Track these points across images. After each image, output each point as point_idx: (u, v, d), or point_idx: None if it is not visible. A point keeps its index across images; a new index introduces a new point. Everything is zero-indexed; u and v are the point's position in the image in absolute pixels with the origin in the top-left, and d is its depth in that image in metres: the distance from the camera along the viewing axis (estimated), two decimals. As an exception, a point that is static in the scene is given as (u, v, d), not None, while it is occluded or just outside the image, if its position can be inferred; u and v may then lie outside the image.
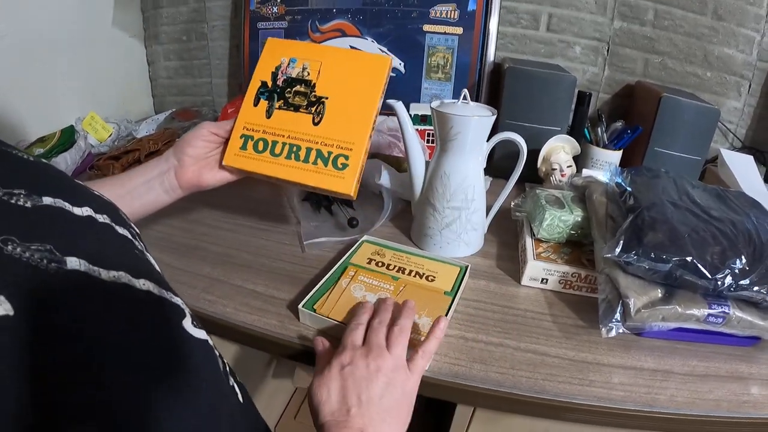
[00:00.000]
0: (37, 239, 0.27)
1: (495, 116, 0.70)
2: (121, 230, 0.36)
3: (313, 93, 0.68)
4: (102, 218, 0.35)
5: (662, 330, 0.61)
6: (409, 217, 0.84)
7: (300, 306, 0.62)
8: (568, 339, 0.63)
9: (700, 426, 0.56)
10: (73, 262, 0.28)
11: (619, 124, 1.04)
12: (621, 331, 0.59)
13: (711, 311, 0.59)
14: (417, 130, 1.09)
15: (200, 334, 0.35)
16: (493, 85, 1.23)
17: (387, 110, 0.75)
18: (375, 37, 1.27)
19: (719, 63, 1.16)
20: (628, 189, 0.71)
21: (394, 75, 1.27)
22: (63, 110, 1.22)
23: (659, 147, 1.02)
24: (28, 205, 0.29)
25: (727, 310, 0.59)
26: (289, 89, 0.69)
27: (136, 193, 0.68)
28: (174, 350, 0.32)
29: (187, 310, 0.35)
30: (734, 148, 1.21)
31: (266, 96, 0.70)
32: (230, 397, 0.37)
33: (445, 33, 1.23)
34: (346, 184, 0.66)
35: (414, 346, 0.54)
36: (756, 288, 0.58)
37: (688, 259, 0.59)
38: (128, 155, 1.05)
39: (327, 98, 0.68)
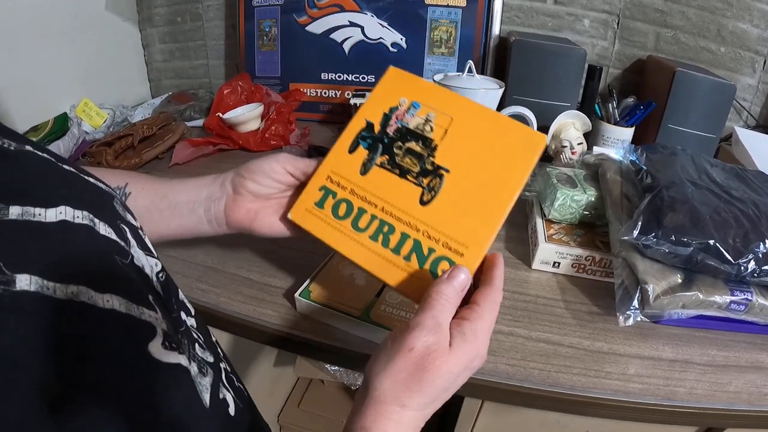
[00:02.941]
0: None
1: (503, 89, 0.66)
2: (103, 229, 0.32)
3: (431, 158, 0.49)
4: (80, 218, 0.31)
5: (681, 317, 0.58)
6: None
7: (296, 295, 0.59)
8: (582, 327, 0.60)
9: (719, 419, 0.54)
10: (23, 281, 0.25)
11: (630, 100, 1.00)
12: (639, 318, 0.56)
13: (733, 298, 0.56)
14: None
15: (169, 357, 0.31)
16: (498, 61, 1.19)
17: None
18: (375, 12, 1.23)
19: (733, 38, 1.12)
20: (644, 167, 0.68)
21: (395, 51, 1.24)
22: (57, 98, 1.19)
23: (672, 124, 0.99)
24: None
25: (750, 297, 0.56)
26: (400, 143, 0.51)
27: (177, 211, 0.57)
28: (131, 377, 0.28)
29: (159, 328, 0.31)
30: (748, 127, 1.17)
31: (368, 144, 0.52)
32: (210, 416, 0.34)
33: (447, 6, 1.19)
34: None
35: None
36: (781, 274, 0.55)
37: (711, 242, 0.56)
38: (121, 141, 1.02)
39: (448, 171, 0.48)
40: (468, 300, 0.42)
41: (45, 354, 0.24)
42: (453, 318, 0.40)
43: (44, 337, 0.25)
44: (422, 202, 0.48)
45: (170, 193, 0.57)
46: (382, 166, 0.51)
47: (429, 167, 0.49)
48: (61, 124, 1.04)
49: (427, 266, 0.45)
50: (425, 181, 0.49)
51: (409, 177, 0.49)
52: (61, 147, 0.99)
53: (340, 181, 0.51)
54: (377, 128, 0.52)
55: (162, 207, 0.56)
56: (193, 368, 0.34)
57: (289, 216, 0.52)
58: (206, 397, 0.34)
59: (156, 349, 0.30)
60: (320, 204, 0.51)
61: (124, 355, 0.29)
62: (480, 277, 0.44)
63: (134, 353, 0.29)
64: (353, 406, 0.38)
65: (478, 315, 0.40)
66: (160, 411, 0.29)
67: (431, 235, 0.46)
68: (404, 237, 0.47)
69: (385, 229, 0.48)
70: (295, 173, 0.56)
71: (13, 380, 0.22)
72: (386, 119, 0.52)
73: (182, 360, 0.32)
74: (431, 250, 0.45)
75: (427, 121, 0.51)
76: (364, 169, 0.51)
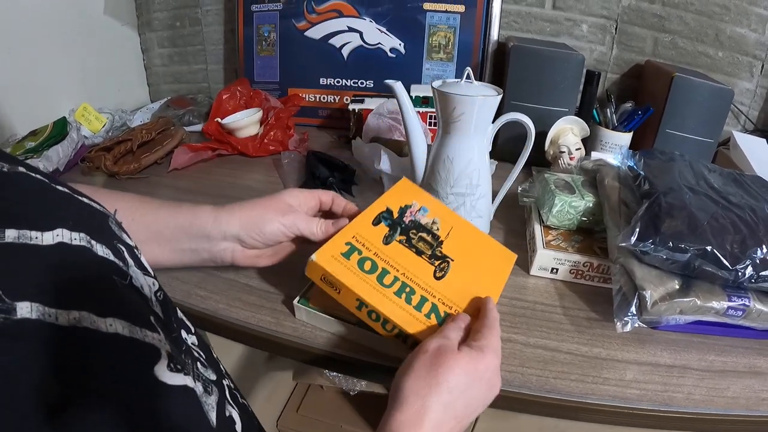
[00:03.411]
0: None
1: (501, 96, 0.66)
2: (101, 250, 0.32)
3: (440, 248, 0.59)
4: (77, 240, 0.31)
5: (678, 323, 0.58)
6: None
7: (295, 302, 0.59)
8: (580, 333, 0.60)
9: (716, 425, 0.54)
10: (24, 310, 0.24)
11: (629, 105, 1.00)
12: (637, 324, 0.56)
13: (731, 304, 0.56)
14: (418, 112, 1.05)
15: (175, 379, 0.31)
16: (496, 66, 1.20)
17: (387, 92, 0.71)
18: (373, 17, 1.23)
19: (731, 42, 1.12)
20: (642, 173, 0.68)
21: (393, 56, 1.24)
22: (56, 102, 1.19)
23: (671, 129, 0.99)
24: None
25: (747, 303, 0.56)
26: (414, 231, 0.60)
27: (178, 250, 0.59)
28: (140, 402, 0.28)
29: (164, 350, 0.31)
30: (746, 131, 1.17)
31: (389, 223, 0.60)
32: None
33: (446, 11, 1.19)
34: None
35: None
36: (778, 280, 0.55)
37: (708, 248, 0.56)
38: (120, 146, 1.02)
39: (453, 260, 0.58)
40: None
41: (48, 379, 0.24)
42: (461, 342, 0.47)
43: (47, 364, 0.24)
44: (436, 277, 0.56)
45: (165, 230, 0.58)
46: (401, 243, 0.59)
47: (438, 254, 0.59)
48: (60, 129, 1.04)
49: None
50: (437, 263, 0.58)
51: (423, 257, 0.58)
52: (60, 151, 0.99)
53: (365, 243, 0.57)
54: (395, 215, 0.61)
55: (161, 242, 0.57)
56: (199, 388, 0.34)
57: (313, 258, 0.54)
58: (213, 417, 0.34)
59: (162, 371, 0.30)
60: (347, 256, 0.55)
61: (131, 379, 0.29)
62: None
63: (140, 378, 0.29)
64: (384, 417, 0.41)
65: (482, 335, 0.46)
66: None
67: (445, 303, 0.54)
68: (423, 299, 0.54)
69: (407, 290, 0.54)
70: (308, 234, 0.59)
71: (14, 409, 0.22)
72: (402, 212, 0.62)
73: (188, 381, 0.32)
74: (447, 314, 0.53)
75: (434, 222, 0.62)
76: (386, 240, 0.58)
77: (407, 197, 0.64)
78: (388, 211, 0.61)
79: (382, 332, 0.53)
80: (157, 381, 0.30)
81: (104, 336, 0.28)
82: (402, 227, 0.60)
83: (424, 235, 0.60)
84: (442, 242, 0.60)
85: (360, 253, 0.56)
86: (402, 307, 0.52)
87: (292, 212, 0.59)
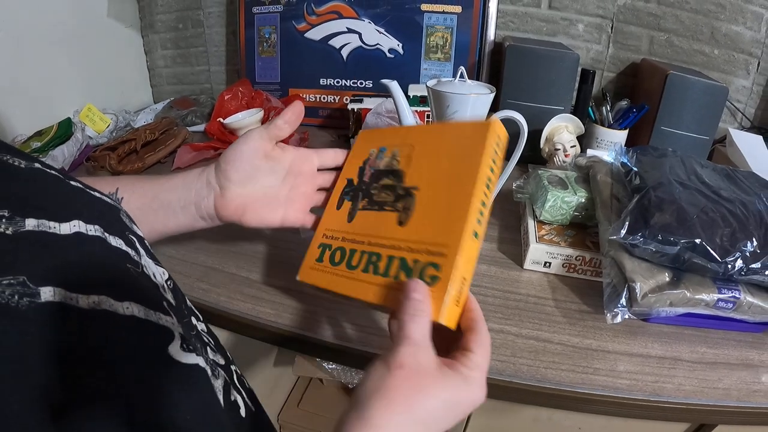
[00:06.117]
0: (11, 272, 0.25)
1: (493, 94, 0.67)
2: (114, 241, 0.33)
3: (401, 185, 0.52)
4: (93, 231, 0.32)
5: (670, 315, 0.59)
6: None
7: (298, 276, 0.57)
8: (571, 325, 0.61)
9: (708, 416, 0.55)
10: (47, 294, 0.26)
11: (624, 103, 1.01)
12: (627, 316, 0.57)
13: (721, 296, 0.57)
14: (416, 111, 1.07)
15: (188, 358, 0.32)
16: (494, 66, 1.20)
17: (385, 92, 0.72)
18: (372, 19, 1.24)
19: (727, 40, 1.13)
20: (634, 168, 0.69)
21: (392, 56, 1.25)
22: (61, 103, 1.21)
23: (666, 126, 1.00)
24: (9, 231, 0.27)
25: (737, 295, 0.57)
26: (375, 184, 0.55)
27: (170, 211, 0.57)
28: (155, 378, 0.30)
29: (176, 332, 0.33)
30: (743, 128, 1.18)
31: (350, 196, 0.57)
32: (224, 418, 0.35)
33: (443, 12, 1.20)
34: (434, 306, 0.41)
35: None
36: (768, 272, 0.55)
37: (697, 241, 0.56)
38: (124, 145, 1.04)
39: (417, 189, 0.51)
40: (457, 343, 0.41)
41: (66, 360, 0.25)
42: (449, 358, 0.38)
43: (69, 344, 0.25)
44: (400, 223, 0.50)
45: (160, 192, 0.57)
46: (364, 209, 0.55)
47: (401, 192, 0.52)
48: (65, 129, 1.06)
49: (416, 277, 0.44)
50: (400, 205, 0.51)
51: (386, 208, 0.52)
52: (65, 152, 1.00)
53: (333, 234, 0.55)
54: (356, 181, 0.58)
55: (155, 207, 0.56)
56: (208, 370, 0.35)
57: (299, 278, 0.55)
58: (221, 398, 0.35)
59: (175, 350, 0.31)
60: (320, 259, 0.54)
61: (147, 357, 0.30)
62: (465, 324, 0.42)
63: (156, 355, 0.30)
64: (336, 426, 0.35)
65: (475, 364, 0.38)
66: (182, 410, 0.30)
67: (412, 248, 0.46)
68: (390, 259, 0.48)
69: (373, 258, 0.49)
70: (269, 140, 0.57)
71: (31, 386, 0.23)
72: (361, 171, 0.58)
73: (200, 361, 0.33)
74: (416, 262, 0.45)
75: (393, 157, 0.56)
76: (350, 217, 0.55)
77: (364, 152, 0.60)
78: (349, 183, 0.58)
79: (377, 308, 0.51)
80: (171, 359, 0.31)
81: (122, 318, 0.29)
82: (363, 190, 0.56)
83: (385, 180, 0.55)
84: (403, 174, 0.53)
85: (330, 248, 0.54)
86: (370, 282, 0.48)
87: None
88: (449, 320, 0.41)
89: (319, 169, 0.61)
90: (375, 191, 0.55)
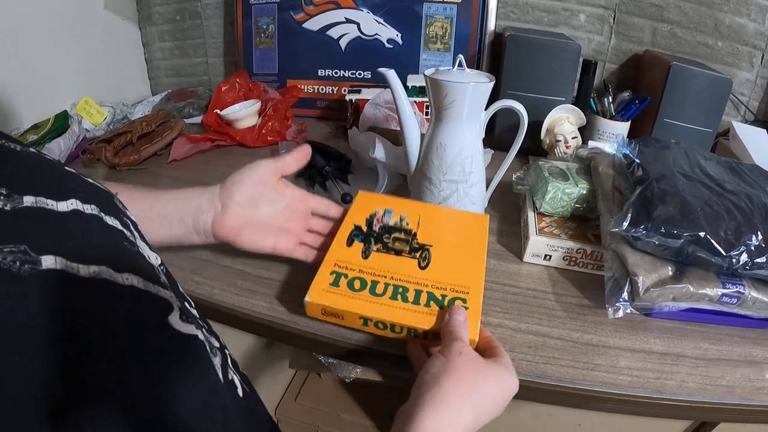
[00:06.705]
0: (12, 241, 0.25)
1: (493, 82, 0.65)
2: (110, 221, 0.34)
3: (415, 241, 0.62)
4: (89, 209, 0.33)
5: (672, 310, 0.58)
6: (406, 192, 0.80)
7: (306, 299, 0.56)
8: (572, 319, 0.60)
9: (711, 413, 0.54)
10: (48, 261, 0.26)
11: (626, 95, 0.99)
12: (629, 311, 0.56)
13: (725, 291, 0.56)
14: (415, 102, 1.06)
15: (188, 329, 0.33)
16: (494, 57, 1.19)
17: (382, 82, 0.71)
18: (370, 8, 1.23)
19: (730, 32, 1.11)
20: (636, 160, 0.67)
21: (391, 47, 1.24)
22: (58, 96, 1.19)
23: (668, 118, 0.98)
24: (8, 207, 0.27)
25: (742, 290, 0.56)
26: (387, 235, 0.63)
27: (166, 221, 0.59)
28: (155, 346, 0.30)
29: (175, 305, 0.33)
30: (746, 121, 1.16)
31: (361, 238, 0.63)
32: (223, 392, 0.35)
33: (443, 2, 1.19)
34: (471, 328, 0.52)
35: None
36: (773, 267, 0.54)
37: (701, 234, 0.55)
38: (120, 138, 1.02)
39: (432, 246, 0.61)
40: None
41: (69, 326, 0.25)
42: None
43: (69, 310, 0.26)
44: (421, 267, 0.58)
45: (157, 203, 0.59)
46: (378, 251, 0.61)
47: (416, 246, 0.61)
48: (62, 122, 1.04)
49: (445, 306, 0.54)
50: (417, 254, 0.60)
51: (403, 255, 0.60)
52: (62, 144, 0.99)
53: (347, 265, 0.59)
54: (364, 228, 0.64)
55: (151, 216, 0.58)
56: (207, 345, 0.35)
57: (307, 299, 0.55)
58: (219, 374, 0.36)
59: (175, 321, 0.32)
60: (335, 284, 0.57)
61: (147, 325, 0.31)
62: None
63: (156, 324, 0.31)
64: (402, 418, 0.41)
65: (500, 352, 0.48)
66: (183, 379, 0.30)
67: (438, 286, 0.56)
68: (418, 292, 0.55)
69: (400, 290, 0.56)
70: (275, 169, 0.63)
71: (34, 355, 0.23)
72: (369, 222, 0.64)
73: (199, 334, 0.34)
74: (443, 296, 0.55)
75: (402, 219, 0.65)
76: (365, 255, 0.60)
77: (369, 208, 0.67)
78: (357, 228, 0.64)
79: (393, 335, 0.54)
80: (171, 328, 0.32)
81: (122, 287, 0.30)
82: (375, 237, 0.63)
83: (397, 234, 0.63)
84: (415, 234, 0.63)
85: (346, 276, 0.57)
86: (402, 308, 0.54)
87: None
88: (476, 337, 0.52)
89: (312, 213, 0.68)
90: (388, 240, 0.62)
